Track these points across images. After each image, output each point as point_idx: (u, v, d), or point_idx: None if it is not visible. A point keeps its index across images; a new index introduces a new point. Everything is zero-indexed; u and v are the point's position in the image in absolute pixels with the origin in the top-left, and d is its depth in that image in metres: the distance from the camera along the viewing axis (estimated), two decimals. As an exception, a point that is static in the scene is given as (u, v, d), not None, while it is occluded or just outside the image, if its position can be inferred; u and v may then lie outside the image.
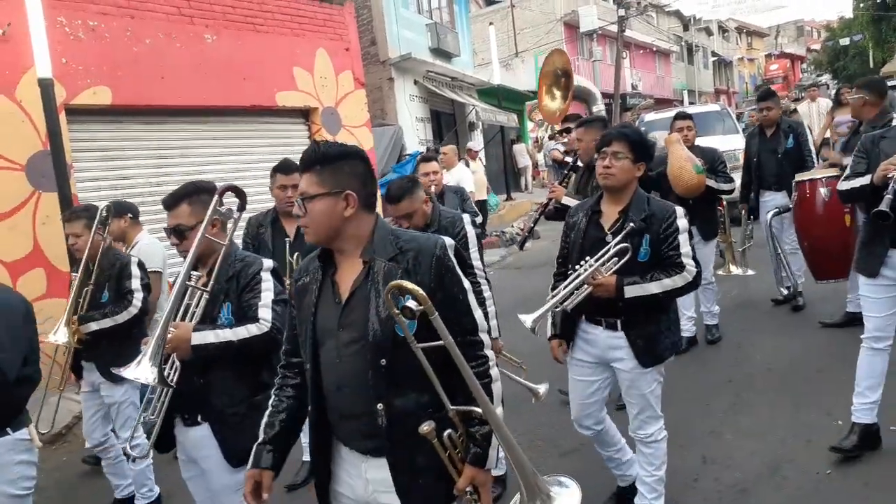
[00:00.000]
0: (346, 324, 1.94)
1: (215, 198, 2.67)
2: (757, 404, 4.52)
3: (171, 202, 2.74)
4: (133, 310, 3.90)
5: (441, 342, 1.74)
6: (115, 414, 4.06)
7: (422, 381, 1.83)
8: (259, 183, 8.98)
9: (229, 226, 2.79)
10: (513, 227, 13.44)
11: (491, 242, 11.88)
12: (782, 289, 6.16)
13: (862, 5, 36.30)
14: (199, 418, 2.68)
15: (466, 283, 1.97)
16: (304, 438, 4.10)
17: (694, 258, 2.97)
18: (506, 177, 18.77)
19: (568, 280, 3.00)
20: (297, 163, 3.64)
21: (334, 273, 2.03)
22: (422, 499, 1.94)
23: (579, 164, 4.65)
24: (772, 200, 6.11)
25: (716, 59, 49.07)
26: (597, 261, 2.93)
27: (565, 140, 6.61)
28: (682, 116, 5.63)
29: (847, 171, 3.72)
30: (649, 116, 14.75)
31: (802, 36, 70.28)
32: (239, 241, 3.62)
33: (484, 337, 1.96)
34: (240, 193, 2.83)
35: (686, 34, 43.18)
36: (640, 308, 2.95)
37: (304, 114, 10.04)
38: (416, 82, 14.95)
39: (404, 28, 14.57)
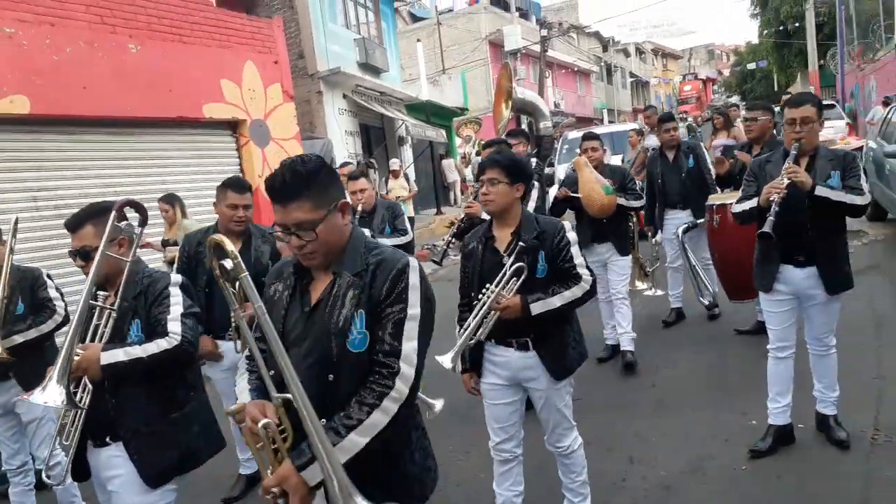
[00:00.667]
0: (307, 334, 1.92)
1: (112, 213, 2.61)
2: (678, 407, 4.75)
3: (74, 224, 2.68)
4: (58, 318, 3.82)
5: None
6: (34, 431, 3.87)
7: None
8: (184, 195, 8.82)
9: (133, 242, 2.74)
10: (443, 240, 13.55)
11: (422, 256, 11.98)
12: (702, 300, 6.32)
13: (766, 32, 38.55)
14: (107, 439, 2.62)
15: (414, 311, 1.87)
16: (241, 454, 4.09)
17: (587, 267, 3.09)
18: (435, 191, 18.98)
19: (475, 310, 3.03)
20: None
21: (309, 282, 1.99)
22: None
23: None
24: (677, 219, 6.32)
25: (634, 79, 51.02)
26: (496, 285, 3.00)
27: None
28: (588, 137, 5.75)
29: (739, 195, 3.97)
30: (572, 134, 15.25)
31: (713, 59, 74.02)
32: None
33: (402, 367, 1.83)
34: (139, 208, 2.79)
35: (605, 55, 44.78)
36: (546, 324, 3.04)
37: (232, 126, 9.92)
38: (344, 96, 14.97)
39: (332, 42, 14.59)
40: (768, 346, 3.95)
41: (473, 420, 4.23)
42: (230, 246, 1.69)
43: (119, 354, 2.47)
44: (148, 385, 2.57)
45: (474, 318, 3.01)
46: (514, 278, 3.01)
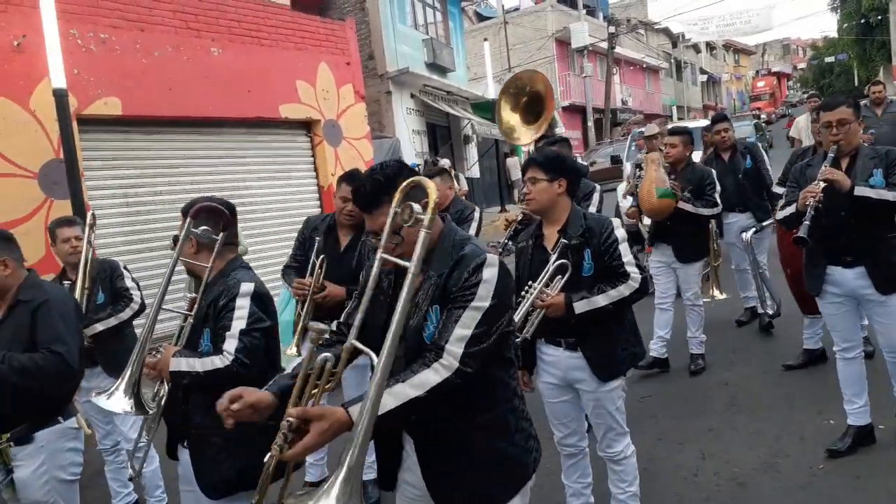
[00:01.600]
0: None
1: (188, 220, 2.61)
2: (752, 404, 4.71)
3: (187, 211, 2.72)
4: (135, 306, 4.09)
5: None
6: (122, 416, 4.05)
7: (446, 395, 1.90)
8: (261, 193, 9.21)
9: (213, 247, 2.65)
10: (498, 242, 13.62)
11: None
12: (767, 309, 5.94)
13: (846, 26, 37.06)
14: (185, 443, 2.68)
15: (480, 303, 1.91)
16: (310, 457, 4.22)
17: (639, 266, 3.00)
18: (500, 189, 19.03)
19: (518, 308, 2.96)
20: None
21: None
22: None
23: None
24: (736, 222, 6.10)
25: (704, 75, 49.77)
26: (539, 282, 2.99)
27: None
28: (672, 133, 5.62)
29: (782, 200, 3.92)
30: (649, 130, 15.00)
31: (788, 54, 71.46)
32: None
33: (449, 348, 1.86)
34: (219, 213, 2.69)
35: (675, 51, 43.83)
36: (592, 324, 2.99)
37: (307, 126, 10.23)
38: (412, 96, 15.20)
39: (401, 43, 14.84)
40: (834, 349, 3.90)
41: (541, 411, 4.31)
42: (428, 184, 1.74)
43: (182, 364, 2.47)
44: (210, 397, 2.42)
45: (517, 314, 2.93)
46: (559, 276, 2.99)
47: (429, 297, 1.98)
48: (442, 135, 17.60)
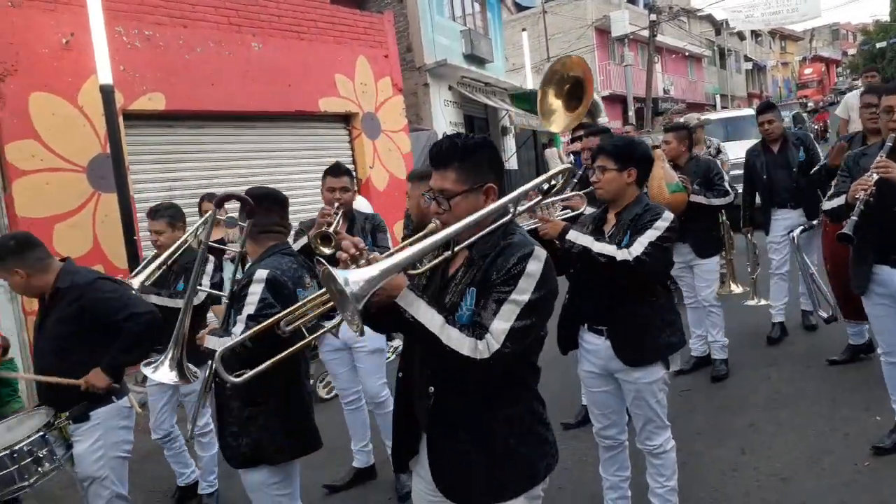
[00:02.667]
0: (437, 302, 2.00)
1: (213, 208, 2.83)
2: (795, 399, 4.63)
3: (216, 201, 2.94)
4: (196, 302, 4.14)
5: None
6: (192, 401, 4.23)
7: (468, 385, 1.92)
8: (301, 185, 9.31)
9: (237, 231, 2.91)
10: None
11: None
12: (821, 313, 5.42)
13: (900, 8, 35.75)
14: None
15: (521, 297, 1.87)
16: (355, 445, 4.30)
17: (646, 254, 2.87)
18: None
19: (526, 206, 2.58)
20: (343, 167, 3.95)
21: (454, 256, 2.02)
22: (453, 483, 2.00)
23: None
24: (787, 219, 5.68)
25: (749, 63, 48.60)
26: (557, 197, 3.02)
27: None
28: (666, 130, 5.49)
29: (832, 190, 3.72)
30: (689, 120, 14.75)
31: (837, 39, 69.31)
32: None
33: (487, 338, 1.84)
34: (244, 201, 2.82)
35: (718, 38, 42.88)
36: (619, 307, 2.99)
37: (346, 119, 10.32)
38: (450, 88, 15.17)
39: (439, 34, 14.81)
40: (879, 351, 3.78)
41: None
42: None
43: (212, 342, 2.60)
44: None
45: (523, 204, 2.56)
46: (569, 210, 3.14)
47: (467, 278, 1.97)
48: (480, 126, 17.55)
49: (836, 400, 4.49)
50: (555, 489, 2.04)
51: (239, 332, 2.53)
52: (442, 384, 1.98)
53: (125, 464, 3.21)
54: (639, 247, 2.89)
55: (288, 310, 2.12)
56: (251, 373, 2.08)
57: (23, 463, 2.94)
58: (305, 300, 2.06)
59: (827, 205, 3.72)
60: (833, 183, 3.79)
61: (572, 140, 6.93)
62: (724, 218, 5.52)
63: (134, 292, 3.69)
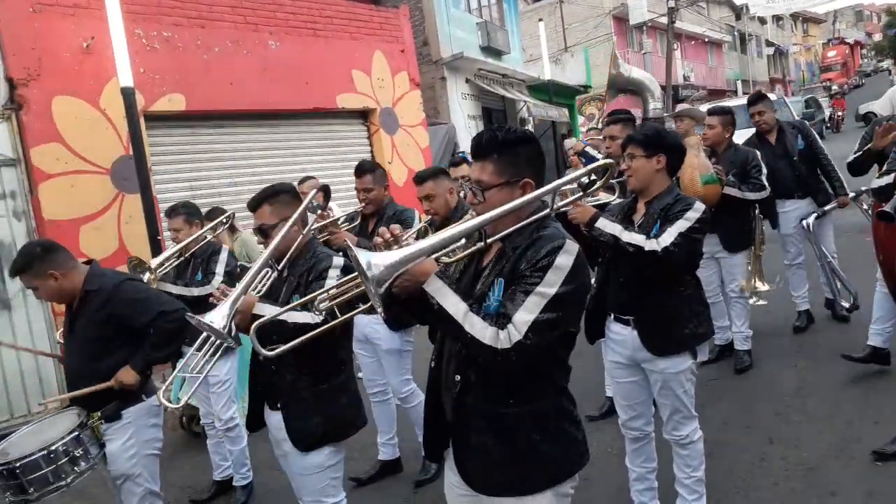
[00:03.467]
0: (470, 293, 2.00)
1: (311, 193, 2.92)
2: (824, 388, 4.57)
3: (253, 205, 2.91)
4: (209, 288, 4.17)
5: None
6: (217, 395, 4.32)
7: (491, 376, 1.93)
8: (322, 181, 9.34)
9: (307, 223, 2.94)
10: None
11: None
12: (842, 302, 5.41)
13: (926, -13, 34.99)
14: (277, 404, 2.82)
15: (547, 289, 1.85)
16: (381, 437, 4.33)
17: (677, 246, 2.85)
18: (557, 170, 18.81)
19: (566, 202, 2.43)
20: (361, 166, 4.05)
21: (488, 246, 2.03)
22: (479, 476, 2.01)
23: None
24: (795, 210, 5.53)
25: (771, 47, 47.87)
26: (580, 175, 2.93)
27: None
28: (710, 113, 5.29)
29: (884, 167, 3.65)
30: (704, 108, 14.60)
31: (861, 21, 68.04)
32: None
33: (509, 328, 1.83)
34: (327, 193, 3.04)
35: (738, 23, 42.28)
36: (646, 296, 2.98)
37: (363, 115, 10.35)
38: (467, 80, 15.13)
39: (455, 27, 14.76)
40: None
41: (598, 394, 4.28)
42: None
43: (268, 310, 2.58)
44: (300, 355, 2.60)
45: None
46: (598, 198, 3.17)
47: (497, 269, 1.97)
48: (498, 119, 17.49)
49: (864, 387, 4.42)
50: (580, 480, 2.02)
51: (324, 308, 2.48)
52: (467, 375, 1.99)
53: (156, 461, 3.26)
54: (668, 237, 2.87)
55: (325, 287, 2.20)
56: (284, 347, 2.18)
57: (59, 463, 2.98)
58: (342, 281, 2.15)
59: (876, 182, 3.66)
60: (889, 161, 3.69)
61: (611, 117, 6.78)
62: (758, 212, 5.28)
63: (155, 287, 3.75)
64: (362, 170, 4.16)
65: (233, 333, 2.59)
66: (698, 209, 2.96)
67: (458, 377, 2.01)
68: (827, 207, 5.42)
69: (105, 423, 3.12)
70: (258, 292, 2.80)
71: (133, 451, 3.12)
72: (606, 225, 2.94)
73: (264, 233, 2.86)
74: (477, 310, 1.88)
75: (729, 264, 5.11)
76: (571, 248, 1.91)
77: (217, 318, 2.45)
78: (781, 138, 5.55)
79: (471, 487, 2.03)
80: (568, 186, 2.66)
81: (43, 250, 3.14)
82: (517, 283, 1.89)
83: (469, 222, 1.90)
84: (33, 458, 2.97)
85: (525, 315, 1.83)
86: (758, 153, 5.17)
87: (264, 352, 2.17)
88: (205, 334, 2.74)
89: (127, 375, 3.08)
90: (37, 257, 3.08)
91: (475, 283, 2.03)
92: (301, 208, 2.86)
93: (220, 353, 2.88)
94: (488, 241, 1.97)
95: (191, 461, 5.14)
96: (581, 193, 2.32)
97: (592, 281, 3.22)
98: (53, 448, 2.99)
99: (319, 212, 3.83)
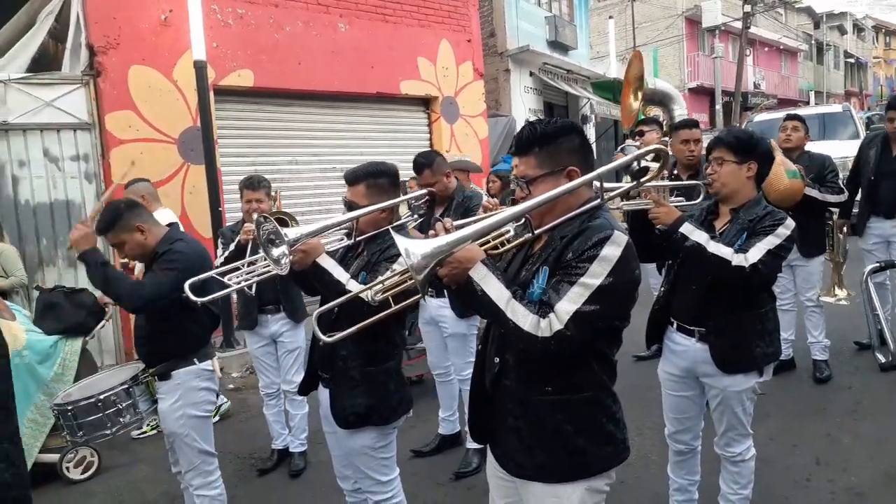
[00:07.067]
0: (516, 281, 2.03)
1: (415, 193, 3.11)
2: (878, 411, 4.43)
3: (351, 178, 2.84)
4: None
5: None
6: (292, 360, 4.43)
7: (529, 362, 1.93)
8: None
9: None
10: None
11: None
12: (878, 355, 4.94)
13: None
14: (328, 381, 2.84)
15: (592, 280, 1.82)
16: (442, 412, 4.44)
17: (764, 264, 2.71)
18: (617, 171, 18.55)
19: (616, 192, 2.43)
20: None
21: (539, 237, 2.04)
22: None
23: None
24: (878, 229, 5.27)
25: (849, 59, 46.10)
26: (668, 180, 2.89)
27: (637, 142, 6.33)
28: (789, 118, 5.17)
29: None
30: (759, 117, 14.24)
31: (949, 36, 64.78)
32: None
33: (551, 317, 1.81)
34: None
35: (816, 32, 40.84)
36: (724, 313, 2.84)
37: (425, 102, 10.38)
38: (531, 74, 15.02)
39: (523, 20, 14.65)
40: None
41: (650, 401, 4.22)
42: None
43: (330, 264, 2.62)
44: (358, 337, 2.60)
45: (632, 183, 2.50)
46: (682, 198, 3.05)
47: (542, 257, 1.96)
48: (559, 114, 17.32)
49: (922, 416, 4.27)
50: (616, 483, 2.00)
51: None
52: (505, 358, 2.02)
53: (207, 422, 3.31)
54: (756, 253, 2.71)
55: (381, 277, 2.19)
56: (342, 334, 2.19)
57: (107, 412, 3.19)
58: (395, 272, 2.16)
59: None
60: None
61: (633, 134, 6.91)
62: (835, 218, 5.16)
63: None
64: (418, 166, 4.16)
65: (287, 257, 2.50)
66: (789, 225, 2.80)
67: (497, 359, 2.04)
68: None
69: (158, 381, 3.22)
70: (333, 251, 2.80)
71: (181, 413, 3.17)
72: (692, 231, 2.78)
73: (351, 209, 2.80)
74: (521, 296, 1.88)
75: (805, 272, 5.02)
76: (620, 239, 1.86)
77: (292, 233, 2.44)
78: None
79: (504, 470, 2.06)
80: (644, 189, 2.68)
81: (129, 205, 3.22)
82: (562, 272, 1.88)
83: (511, 209, 1.92)
84: (85, 403, 3.18)
85: (567, 305, 1.81)
86: (833, 158, 5.01)
87: (324, 337, 2.18)
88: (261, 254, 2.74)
89: (84, 240, 3.10)
90: (125, 210, 3.15)
91: (521, 270, 2.04)
92: (400, 200, 2.87)
93: (262, 275, 2.98)
94: (536, 231, 1.97)
95: (247, 431, 5.30)
96: (634, 183, 2.25)
97: (660, 285, 3.19)
98: (103, 397, 3.16)
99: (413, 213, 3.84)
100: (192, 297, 2.81)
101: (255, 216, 2.84)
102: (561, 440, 1.96)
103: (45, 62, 6.89)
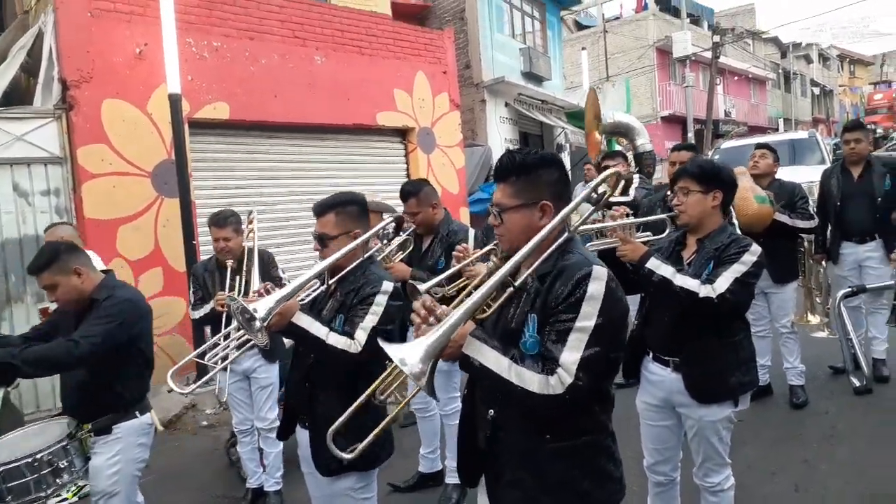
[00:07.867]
0: (497, 322, 2.00)
1: (383, 223, 2.98)
2: (852, 435, 4.46)
3: (319, 210, 2.78)
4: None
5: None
6: (265, 397, 4.35)
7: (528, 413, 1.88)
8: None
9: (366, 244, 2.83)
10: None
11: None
12: (852, 378, 4.90)
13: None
14: (306, 423, 2.76)
15: (586, 323, 1.81)
16: (423, 449, 4.38)
17: (731, 290, 2.72)
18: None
19: (602, 224, 2.78)
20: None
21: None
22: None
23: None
24: (852, 254, 5.30)
25: (816, 87, 47.28)
26: (635, 217, 2.90)
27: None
28: (758, 146, 5.26)
29: None
30: (726, 144, 14.51)
31: (911, 65, 66.78)
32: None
33: (559, 372, 1.78)
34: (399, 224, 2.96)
35: (784, 61, 41.88)
36: (698, 345, 2.86)
37: (402, 133, 10.43)
38: (506, 104, 15.20)
39: (498, 52, 14.87)
40: None
41: (629, 431, 4.19)
42: None
43: (307, 322, 2.51)
44: (335, 378, 2.61)
45: (596, 224, 2.74)
46: (650, 234, 3.08)
47: (528, 303, 1.92)
48: (534, 144, 17.50)
49: (897, 439, 4.30)
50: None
51: (363, 340, 2.53)
52: (500, 410, 1.97)
53: (136, 481, 3.16)
54: (724, 282, 2.73)
55: (380, 378, 2.08)
56: (361, 447, 2.08)
57: (42, 473, 2.88)
58: (385, 375, 2.04)
59: None
60: None
61: (598, 167, 7.18)
62: (806, 244, 5.24)
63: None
64: (405, 194, 4.16)
65: (263, 331, 2.44)
66: (755, 252, 2.82)
67: (490, 412, 1.99)
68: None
69: (94, 436, 3.03)
70: (301, 301, 2.71)
71: (117, 468, 3.02)
72: (658, 266, 2.80)
73: (323, 242, 2.74)
74: (520, 357, 1.82)
75: (779, 299, 5.06)
76: (600, 273, 1.85)
77: (261, 308, 2.37)
78: (867, 174, 5.26)
79: None
80: (610, 228, 2.73)
81: (68, 247, 3.08)
82: (553, 320, 1.85)
83: (497, 275, 1.84)
84: (17, 464, 2.85)
85: (571, 355, 1.79)
86: (803, 186, 5.08)
87: (345, 455, 2.05)
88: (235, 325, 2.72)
89: None
90: (64, 252, 3.00)
91: (508, 307, 1.97)
92: (371, 233, 2.79)
93: (244, 348, 2.92)
94: (516, 284, 1.91)
95: (218, 470, 5.18)
96: (593, 209, 2.24)
97: (633, 318, 3.16)
98: (39, 456, 2.87)
99: (385, 242, 3.85)
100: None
101: (225, 298, 2.78)
102: (567, 487, 1.93)
103: (16, 96, 6.83)
